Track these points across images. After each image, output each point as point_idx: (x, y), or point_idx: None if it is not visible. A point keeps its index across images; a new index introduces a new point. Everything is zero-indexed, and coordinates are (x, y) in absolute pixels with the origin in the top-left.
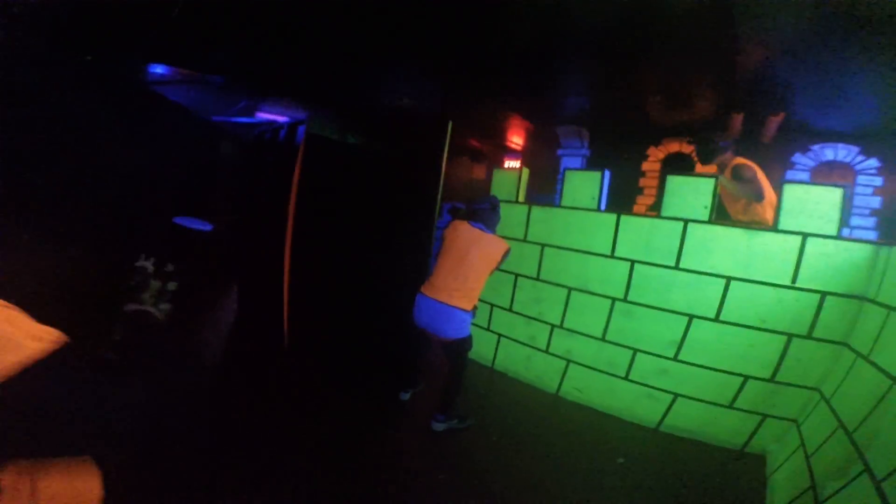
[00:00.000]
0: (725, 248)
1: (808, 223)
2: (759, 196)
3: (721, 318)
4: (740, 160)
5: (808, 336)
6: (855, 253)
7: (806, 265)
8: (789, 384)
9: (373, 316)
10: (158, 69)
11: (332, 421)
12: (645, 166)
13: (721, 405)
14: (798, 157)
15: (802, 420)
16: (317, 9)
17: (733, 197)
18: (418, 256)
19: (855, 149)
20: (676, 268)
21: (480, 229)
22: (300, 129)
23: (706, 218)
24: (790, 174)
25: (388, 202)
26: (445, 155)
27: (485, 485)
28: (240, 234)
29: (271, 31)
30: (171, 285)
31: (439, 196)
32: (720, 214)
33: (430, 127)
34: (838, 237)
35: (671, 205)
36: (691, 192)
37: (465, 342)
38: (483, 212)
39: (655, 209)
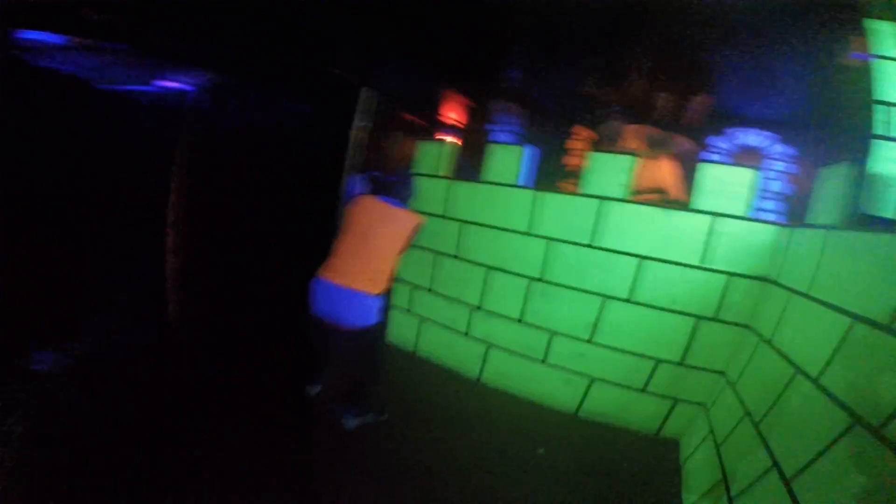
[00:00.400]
0: (640, 227)
1: (720, 203)
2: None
3: (633, 298)
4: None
5: (715, 318)
6: (761, 235)
7: (714, 245)
8: (697, 367)
9: (272, 300)
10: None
11: (229, 420)
12: (570, 144)
13: (635, 389)
14: (713, 140)
15: (710, 405)
16: None
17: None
18: (320, 232)
19: (770, 135)
20: (591, 246)
21: (389, 203)
22: (189, 98)
23: (623, 196)
24: (704, 156)
25: (287, 174)
26: (356, 122)
27: (402, 483)
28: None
29: None
30: None
31: (345, 166)
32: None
33: (339, 92)
34: (746, 217)
35: (591, 182)
36: (611, 169)
37: (374, 330)
38: (392, 184)
39: None
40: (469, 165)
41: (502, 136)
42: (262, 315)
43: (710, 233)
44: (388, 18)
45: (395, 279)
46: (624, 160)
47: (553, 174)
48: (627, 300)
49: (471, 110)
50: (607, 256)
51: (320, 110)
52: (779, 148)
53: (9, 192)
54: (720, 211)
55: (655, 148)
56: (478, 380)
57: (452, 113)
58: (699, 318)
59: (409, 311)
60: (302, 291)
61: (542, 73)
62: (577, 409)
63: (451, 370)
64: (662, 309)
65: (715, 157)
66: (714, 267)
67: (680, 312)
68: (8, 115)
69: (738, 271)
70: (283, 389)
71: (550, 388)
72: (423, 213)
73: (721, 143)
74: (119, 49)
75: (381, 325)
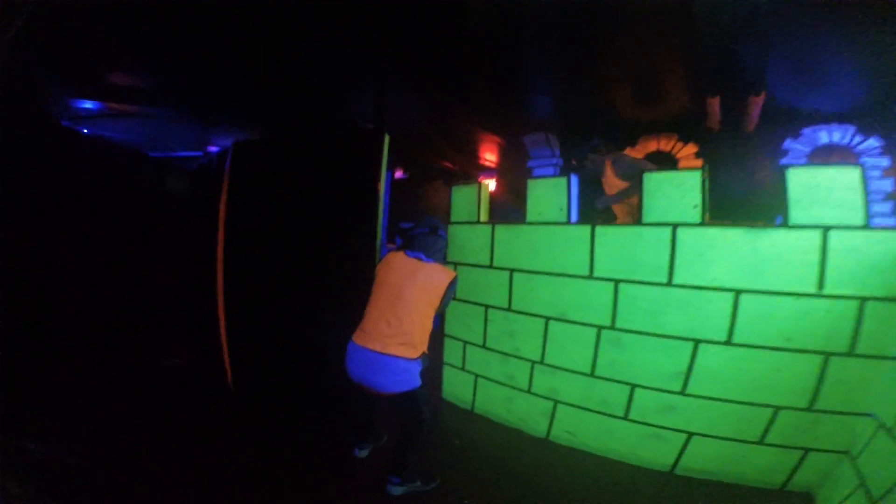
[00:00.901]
0: (727, 254)
1: (826, 214)
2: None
3: (734, 340)
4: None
5: (850, 353)
6: (890, 245)
7: (833, 266)
8: (833, 412)
9: (318, 360)
10: (87, 105)
11: (274, 482)
12: None
13: (749, 441)
14: (790, 144)
15: (858, 453)
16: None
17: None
18: (358, 291)
19: (850, 129)
20: (669, 284)
21: (419, 259)
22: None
23: (698, 219)
24: (786, 163)
25: (322, 231)
26: (384, 171)
27: None
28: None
29: (208, 54)
30: None
31: (378, 222)
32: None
33: (363, 143)
34: (865, 227)
35: (653, 208)
36: (675, 190)
37: (416, 394)
38: (421, 237)
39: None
40: (512, 208)
41: (542, 171)
42: (312, 374)
43: (824, 251)
44: (402, 54)
45: (444, 335)
46: (689, 176)
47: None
48: (726, 343)
49: (503, 147)
50: (691, 294)
51: (347, 162)
52: (866, 142)
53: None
54: (828, 223)
55: (626, 177)
56: (546, 438)
57: (487, 153)
58: (828, 354)
59: (462, 368)
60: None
61: (577, 99)
62: (674, 466)
63: (513, 428)
64: (775, 349)
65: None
66: (837, 292)
67: (800, 351)
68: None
69: (871, 294)
70: (332, 452)
71: (635, 444)
72: (467, 264)
73: (800, 145)
74: (160, 114)
75: (424, 389)
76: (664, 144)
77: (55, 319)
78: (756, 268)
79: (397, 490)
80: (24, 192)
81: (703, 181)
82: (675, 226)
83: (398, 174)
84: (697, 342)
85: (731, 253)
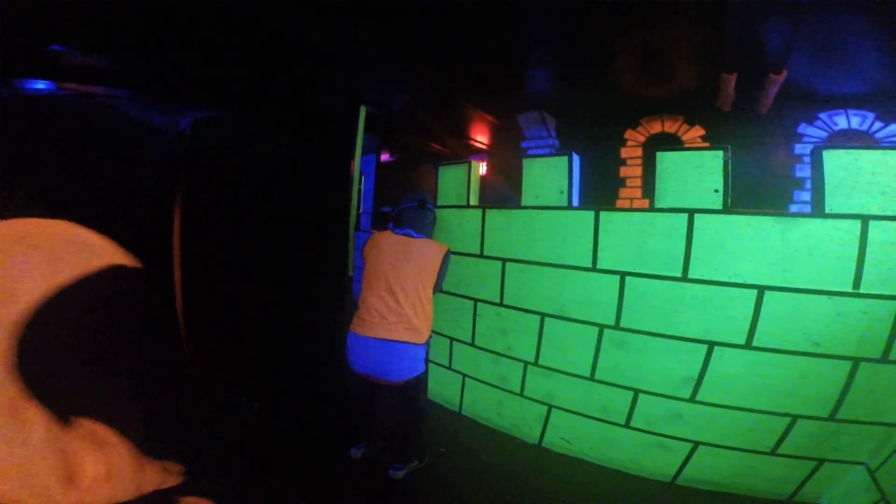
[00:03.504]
0: (752, 245)
1: (868, 202)
2: None
3: (754, 343)
4: None
5: (884, 359)
6: None
7: (872, 261)
8: (856, 421)
9: (285, 357)
10: (38, 85)
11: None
12: (625, 153)
13: (760, 451)
14: (805, 128)
15: (876, 465)
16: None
17: None
18: (333, 279)
19: (870, 115)
20: (684, 279)
21: (408, 235)
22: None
23: (719, 206)
24: (799, 148)
25: (290, 216)
26: (359, 148)
27: None
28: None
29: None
30: None
31: (351, 205)
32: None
33: (335, 117)
34: None
35: (667, 191)
36: (693, 172)
37: (420, 380)
38: (409, 212)
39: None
40: (504, 193)
41: (537, 153)
42: (276, 373)
43: (863, 244)
44: (388, 24)
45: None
46: (710, 157)
47: (606, 192)
48: (745, 346)
49: (495, 127)
50: (708, 291)
51: (317, 139)
52: (887, 128)
53: None
54: (869, 212)
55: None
56: (538, 444)
57: (478, 135)
58: (858, 360)
59: (449, 367)
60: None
61: (576, 73)
62: (676, 476)
63: (504, 433)
64: (800, 353)
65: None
66: (876, 291)
67: (828, 356)
68: None
69: None
70: (321, 453)
71: (636, 453)
72: (455, 252)
73: (816, 130)
74: (115, 96)
75: (426, 375)
76: (669, 126)
77: None
78: (785, 262)
79: (399, 474)
80: None
81: (726, 163)
82: (692, 212)
83: (384, 157)
84: (712, 345)
85: (757, 245)
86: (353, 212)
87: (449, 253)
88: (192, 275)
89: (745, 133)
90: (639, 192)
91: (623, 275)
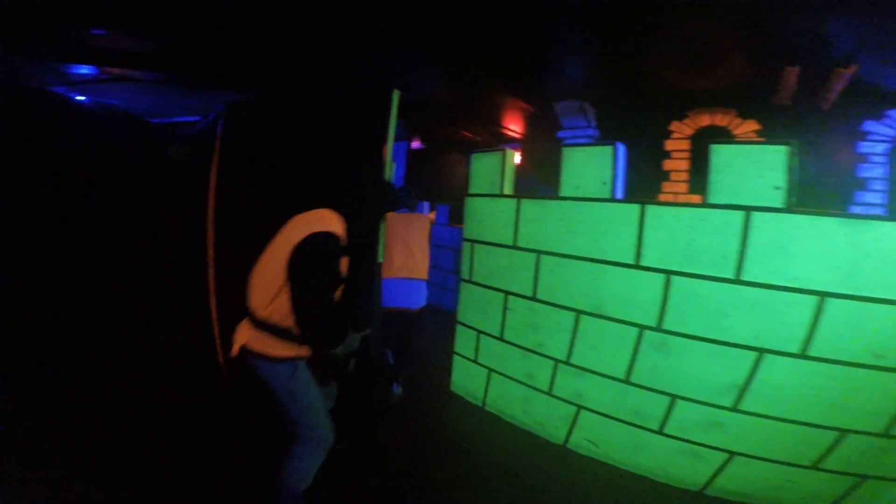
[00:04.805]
0: (815, 248)
1: None
2: None
3: (809, 352)
4: None
5: None
6: None
7: None
8: None
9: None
10: (82, 70)
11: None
12: (670, 145)
13: (801, 465)
14: (871, 126)
15: None
16: None
17: None
18: (368, 255)
19: None
20: (737, 280)
21: (406, 213)
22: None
23: (780, 203)
24: (864, 147)
25: (321, 199)
26: (391, 131)
27: None
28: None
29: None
30: None
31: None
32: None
33: (367, 99)
34: None
35: (722, 186)
36: (752, 168)
37: (425, 308)
38: (402, 199)
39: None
40: (536, 184)
41: (575, 143)
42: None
43: None
44: (422, 6)
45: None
46: (772, 152)
47: (648, 186)
48: (800, 355)
49: (529, 116)
50: (763, 294)
51: (349, 121)
52: None
53: None
54: None
55: None
56: (563, 445)
57: (511, 123)
58: None
59: (475, 360)
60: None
61: (619, 61)
62: (705, 486)
63: (528, 431)
64: (859, 366)
65: (877, 147)
66: None
67: (891, 370)
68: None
69: None
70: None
71: (666, 460)
72: (486, 242)
73: (883, 128)
74: (154, 79)
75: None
76: (719, 119)
77: (50, 299)
78: (851, 267)
79: (399, 389)
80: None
81: (791, 158)
82: (749, 209)
83: (415, 144)
84: (762, 352)
85: (821, 247)
86: None
87: (433, 219)
88: (224, 257)
89: (804, 129)
90: (684, 187)
91: (669, 273)
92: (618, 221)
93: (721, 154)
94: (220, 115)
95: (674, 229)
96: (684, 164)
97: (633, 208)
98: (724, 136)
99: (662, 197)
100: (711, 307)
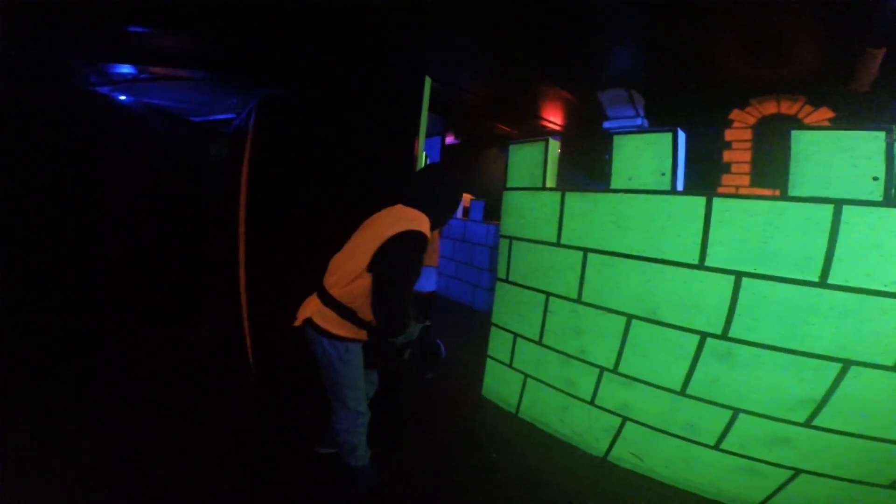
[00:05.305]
0: None
1: None
2: None
3: None
4: None
5: None
6: None
7: None
8: None
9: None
10: (124, 69)
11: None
12: (730, 135)
13: (875, 484)
14: None
15: None
16: None
17: None
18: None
19: None
20: (822, 284)
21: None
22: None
23: (878, 197)
24: None
25: (355, 192)
26: (423, 121)
27: None
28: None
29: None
30: None
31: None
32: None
33: (398, 88)
34: None
35: (806, 176)
36: (842, 155)
37: (435, 293)
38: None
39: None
40: (580, 178)
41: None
42: None
43: None
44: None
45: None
46: (867, 138)
47: (705, 178)
48: (892, 368)
49: (570, 105)
50: (853, 300)
51: (380, 112)
52: None
53: None
54: None
55: None
56: (604, 457)
57: (551, 114)
58: None
59: (510, 365)
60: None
61: (672, 46)
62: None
63: (564, 441)
64: None
65: None
66: None
67: None
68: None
69: None
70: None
71: (721, 477)
72: (526, 239)
73: None
74: (195, 78)
75: None
76: (787, 107)
77: (97, 294)
78: None
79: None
80: (51, 165)
81: (890, 146)
82: (839, 203)
83: (449, 139)
84: (848, 364)
85: None
86: None
87: None
88: (256, 253)
89: (886, 118)
90: (746, 179)
91: (739, 275)
92: (678, 217)
93: (803, 141)
94: (252, 110)
95: (746, 225)
96: (747, 156)
97: (698, 201)
98: (792, 124)
99: (723, 189)
100: (789, 314)
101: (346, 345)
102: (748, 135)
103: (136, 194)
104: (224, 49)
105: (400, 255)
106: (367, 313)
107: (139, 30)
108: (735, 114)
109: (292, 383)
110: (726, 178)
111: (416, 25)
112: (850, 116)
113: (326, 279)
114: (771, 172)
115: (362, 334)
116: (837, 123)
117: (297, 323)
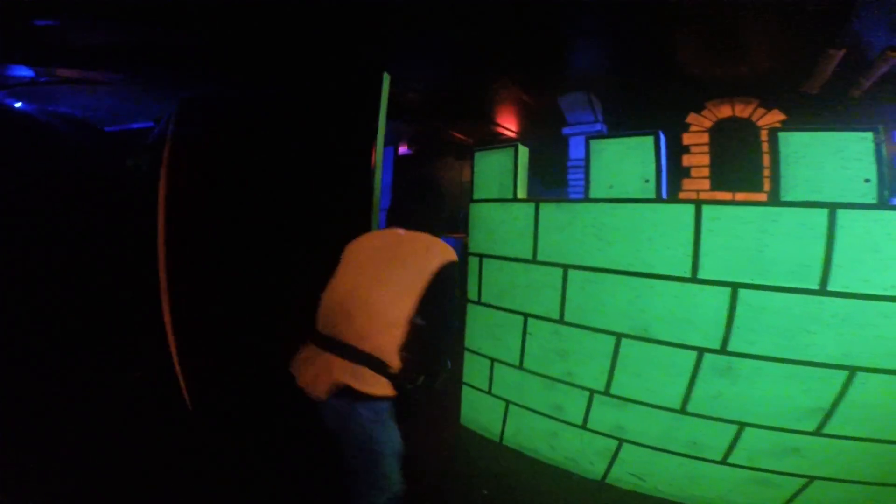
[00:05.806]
0: None
1: None
2: None
3: None
4: None
5: None
6: None
7: None
8: None
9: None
10: (19, 71)
11: None
12: (688, 139)
13: (890, 485)
14: None
15: None
16: None
17: None
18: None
19: None
20: (822, 291)
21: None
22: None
23: (872, 199)
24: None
25: (297, 209)
26: (381, 127)
27: None
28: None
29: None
30: None
31: (375, 193)
32: None
33: (352, 86)
34: None
35: (797, 179)
36: (833, 157)
37: None
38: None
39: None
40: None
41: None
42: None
43: None
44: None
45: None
46: (856, 139)
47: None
48: None
49: (528, 110)
50: (854, 306)
51: (330, 115)
52: None
53: None
54: None
55: None
56: (601, 480)
57: (506, 120)
58: None
59: (488, 392)
60: None
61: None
62: None
63: (557, 467)
64: None
65: None
66: None
67: None
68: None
69: None
70: None
71: (728, 489)
72: (497, 256)
73: None
74: (112, 80)
75: None
76: (740, 110)
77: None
78: None
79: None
80: None
81: (878, 146)
82: (834, 207)
83: (402, 149)
84: (854, 370)
85: None
86: (376, 209)
87: None
88: (179, 282)
89: (836, 120)
90: (706, 184)
91: (735, 286)
92: (666, 226)
93: (792, 143)
94: (171, 115)
95: (739, 233)
96: (705, 159)
97: (687, 209)
98: (746, 127)
99: (684, 195)
100: (790, 324)
101: (381, 404)
102: (706, 138)
103: (33, 221)
104: (150, 44)
105: (449, 291)
106: (396, 360)
107: (49, 23)
108: (692, 117)
109: (230, 415)
110: (687, 183)
111: (374, 17)
112: (801, 119)
113: (343, 327)
114: (730, 175)
115: (390, 387)
116: (788, 125)
117: (321, 395)
